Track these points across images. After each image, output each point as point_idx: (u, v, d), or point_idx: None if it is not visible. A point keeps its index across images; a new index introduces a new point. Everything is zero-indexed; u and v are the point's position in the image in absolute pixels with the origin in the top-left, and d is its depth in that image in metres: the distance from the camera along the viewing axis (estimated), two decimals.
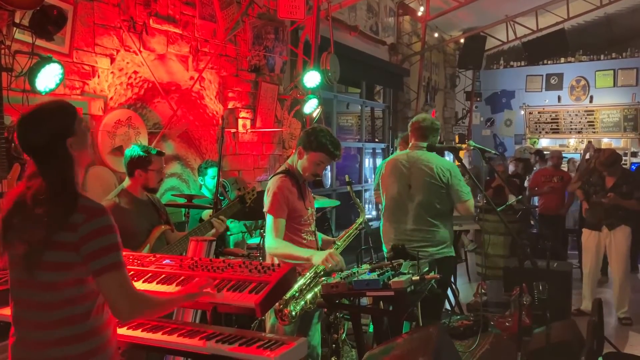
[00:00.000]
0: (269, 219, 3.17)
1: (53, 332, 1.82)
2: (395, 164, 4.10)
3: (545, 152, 10.75)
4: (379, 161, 9.73)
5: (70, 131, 1.88)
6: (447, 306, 5.88)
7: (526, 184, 8.84)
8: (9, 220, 1.87)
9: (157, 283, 2.36)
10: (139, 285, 2.36)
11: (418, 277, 2.91)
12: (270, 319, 3.26)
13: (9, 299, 1.94)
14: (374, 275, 2.90)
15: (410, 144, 4.15)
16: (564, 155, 9.28)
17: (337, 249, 3.40)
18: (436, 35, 11.14)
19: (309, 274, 3.00)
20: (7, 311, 2.37)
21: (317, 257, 3.03)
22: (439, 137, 4.15)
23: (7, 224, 1.87)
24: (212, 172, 4.68)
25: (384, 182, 4.16)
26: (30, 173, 1.88)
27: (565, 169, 9.04)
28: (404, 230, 3.97)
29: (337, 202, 5.72)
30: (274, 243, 3.14)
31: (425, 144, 3.96)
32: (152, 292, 2.31)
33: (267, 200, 3.20)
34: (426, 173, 3.90)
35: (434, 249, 3.88)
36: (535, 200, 8.69)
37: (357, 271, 3.11)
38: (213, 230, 3.45)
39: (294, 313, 2.83)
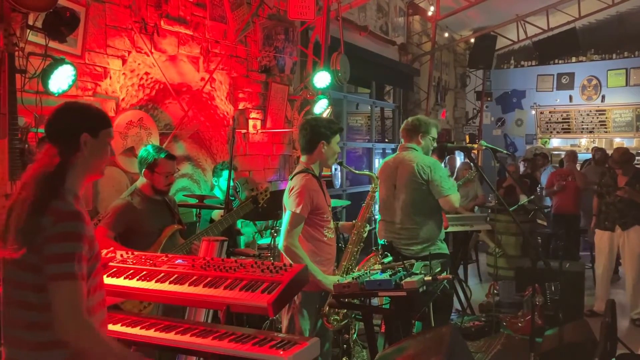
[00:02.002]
0: (289, 214, 3.19)
1: (34, 334, 1.79)
2: (385, 166, 4.27)
3: (554, 153, 10.69)
4: None
5: (91, 130, 1.91)
6: (459, 306, 5.87)
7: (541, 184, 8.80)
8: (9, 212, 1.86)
9: (170, 283, 2.37)
10: (152, 285, 2.37)
11: (430, 278, 2.91)
12: (287, 315, 3.30)
13: None
14: (386, 276, 2.90)
15: (400, 145, 4.28)
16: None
17: (362, 227, 3.52)
18: (446, 34, 11.10)
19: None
20: None
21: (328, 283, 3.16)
22: (427, 132, 4.15)
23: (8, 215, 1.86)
24: (227, 173, 4.69)
25: (379, 184, 4.27)
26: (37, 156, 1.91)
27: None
28: (393, 228, 4.11)
29: (348, 202, 5.76)
30: (296, 241, 3.17)
31: (411, 145, 4.14)
32: (164, 292, 2.33)
33: (291, 197, 3.22)
34: (408, 172, 4.00)
35: (419, 247, 3.98)
36: (548, 200, 8.63)
37: (369, 271, 3.12)
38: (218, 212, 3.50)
39: (338, 317, 3.19)
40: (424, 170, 3.94)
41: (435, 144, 4.25)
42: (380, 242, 4.14)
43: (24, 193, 1.82)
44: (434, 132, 4.18)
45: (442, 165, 4.19)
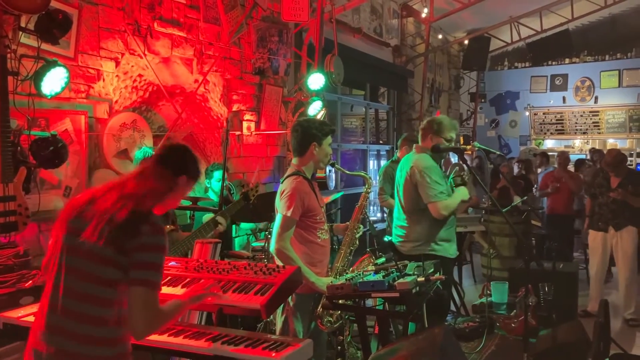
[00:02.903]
0: (280, 217, 3.19)
1: (88, 328, 1.85)
2: (400, 165, 4.30)
3: (550, 153, 10.72)
4: (383, 163, 9.71)
5: (189, 175, 2.13)
6: (453, 307, 5.87)
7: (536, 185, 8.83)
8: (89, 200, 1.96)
9: (163, 285, 2.36)
10: None
11: (423, 278, 2.92)
12: (280, 317, 3.31)
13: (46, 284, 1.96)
14: (379, 277, 2.91)
15: (416, 145, 4.26)
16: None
17: (355, 228, 3.54)
18: (440, 36, 11.13)
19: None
20: (15, 314, 2.39)
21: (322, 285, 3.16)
22: (438, 134, 3.99)
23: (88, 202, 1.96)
24: (218, 174, 4.68)
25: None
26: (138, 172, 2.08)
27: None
28: (395, 226, 4.20)
29: (341, 192, 5.84)
30: (287, 244, 3.17)
31: (423, 147, 4.09)
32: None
33: (282, 200, 3.21)
34: (405, 173, 4.04)
35: (410, 245, 4.02)
36: (544, 201, 8.66)
37: (362, 272, 3.13)
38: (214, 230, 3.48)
39: (332, 319, 3.20)
40: (414, 174, 3.95)
41: (451, 145, 4.07)
42: (384, 239, 4.22)
43: (126, 192, 1.95)
44: (447, 134, 4.00)
45: (439, 169, 4.08)
